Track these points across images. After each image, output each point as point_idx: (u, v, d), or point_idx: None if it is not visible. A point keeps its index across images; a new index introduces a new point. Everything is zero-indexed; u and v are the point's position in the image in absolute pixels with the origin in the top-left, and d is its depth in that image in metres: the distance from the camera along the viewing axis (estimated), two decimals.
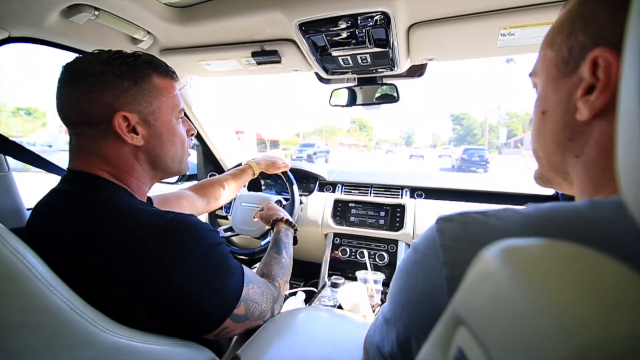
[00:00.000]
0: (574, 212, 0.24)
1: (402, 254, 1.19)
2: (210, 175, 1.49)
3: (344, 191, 1.39)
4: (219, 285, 0.49)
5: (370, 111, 1.17)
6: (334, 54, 0.89)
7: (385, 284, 1.07)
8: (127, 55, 0.53)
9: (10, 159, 0.80)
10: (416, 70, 1.06)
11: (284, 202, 1.28)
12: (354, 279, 1.07)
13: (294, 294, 1.13)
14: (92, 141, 0.52)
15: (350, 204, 1.34)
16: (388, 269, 1.18)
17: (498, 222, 0.26)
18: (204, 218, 1.40)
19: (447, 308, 0.21)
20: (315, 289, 1.20)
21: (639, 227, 0.19)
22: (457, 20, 0.74)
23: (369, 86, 1.08)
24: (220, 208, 1.36)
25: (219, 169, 1.57)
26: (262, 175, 1.34)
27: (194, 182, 1.01)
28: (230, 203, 1.33)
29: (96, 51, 0.53)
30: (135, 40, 0.91)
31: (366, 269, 1.08)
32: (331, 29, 0.78)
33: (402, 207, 1.25)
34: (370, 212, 1.30)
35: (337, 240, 1.30)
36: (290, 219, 0.93)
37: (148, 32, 0.89)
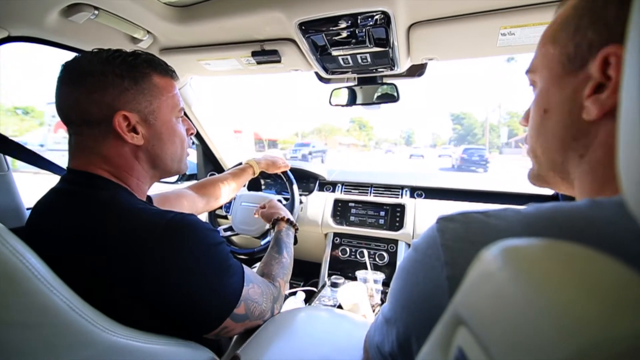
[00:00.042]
0: (575, 212, 0.24)
1: (402, 253, 1.19)
2: (210, 175, 1.49)
3: (344, 191, 1.39)
4: (219, 285, 0.48)
5: (370, 111, 1.17)
6: (334, 53, 0.89)
7: (385, 283, 1.07)
8: (127, 54, 0.53)
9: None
10: (416, 70, 1.06)
11: (284, 202, 1.28)
12: (354, 278, 1.07)
13: (294, 293, 1.13)
14: (92, 140, 0.52)
15: (350, 204, 1.34)
16: (388, 269, 1.18)
17: (499, 222, 0.26)
18: (203, 217, 1.40)
19: (447, 308, 0.21)
20: (315, 289, 1.20)
21: (639, 227, 0.19)
22: (457, 19, 0.74)
23: (369, 86, 1.08)
24: (220, 207, 1.36)
25: (219, 169, 1.56)
26: (262, 174, 1.34)
27: (194, 182, 1.01)
28: (230, 202, 1.33)
29: (95, 50, 0.53)
30: (135, 40, 0.91)
31: (366, 268, 1.08)
32: (331, 28, 0.78)
33: (402, 207, 1.25)
34: (370, 211, 1.30)
35: (337, 239, 1.30)
36: (292, 219, 0.93)
37: (148, 32, 0.89)
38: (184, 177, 1.31)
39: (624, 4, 0.25)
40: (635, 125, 0.17)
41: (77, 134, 0.53)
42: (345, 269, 1.26)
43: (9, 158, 0.80)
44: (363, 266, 1.12)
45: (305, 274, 1.48)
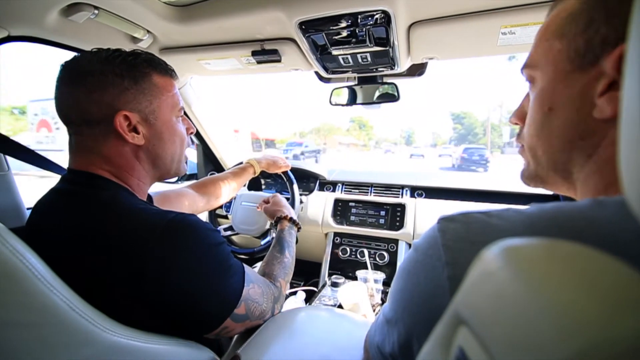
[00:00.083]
0: (576, 211, 0.24)
1: (402, 253, 1.19)
2: (210, 174, 1.49)
3: (344, 190, 1.39)
4: (219, 285, 0.48)
5: (370, 110, 1.17)
6: (334, 53, 0.89)
7: (386, 283, 1.07)
8: (126, 53, 0.53)
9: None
10: (416, 69, 1.06)
11: None
12: (354, 278, 1.07)
13: (294, 293, 1.13)
14: (93, 140, 0.52)
15: (351, 203, 1.34)
16: (388, 269, 1.18)
17: (500, 222, 0.26)
18: (204, 217, 1.41)
19: (448, 308, 0.21)
20: (315, 289, 1.20)
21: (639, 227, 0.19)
22: (458, 19, 0.74)
23: (369, 85, 1.08)
24: (221, 207, 1.36)
25: (219, 168, 1.57)
26: (263, 174, 1.34)
27: (195, 181, 1.01)
28: (230, 202, 1.33)
29: (95, 50, 0.53)
30: (134, 39, 0.91)
31: (366, 268, 1.08)
32: (331, 27, 0.78)
33: (402, 207, 1.25)
34: (371, 211, 1.30)
35: (337, 239, 1.30)
36: (294, 217, 0.93)
37: (148, 31, 0.89)
38: (184, 177, 1.31)
39: None
40: (636, 124, 0.17)
41: (77, 134, 0.53)
42: (346, 268, 1.26)
43: (9, 158, 0.80)
44: (363, 266, 1.12)
45: (306, 273, 1.48)
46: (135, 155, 0.55)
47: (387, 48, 0.85)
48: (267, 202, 1.02)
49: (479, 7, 0.71)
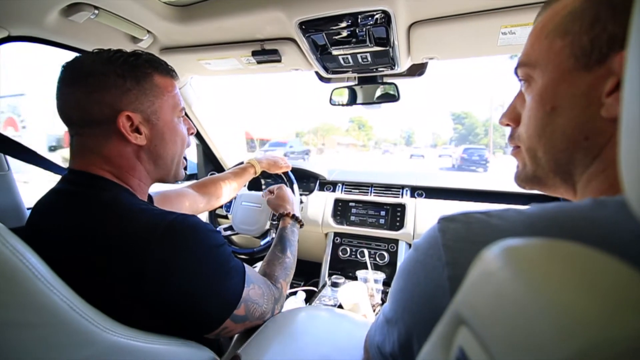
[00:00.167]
0: (576, 212, 0.24)
1: (402, 253, 1.19)
2: (211, 174, 1.49)
3: (344, 190, 1.39)
4: (219, 286, 0.48)
5: (369, 110, 1.17)
6: (334, 53, 0.89)
7: (386, 283, 1.07)
8: (128, 54, 0.53)
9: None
10: (417, 69, 1.06)
11: None
12: (355, 278, 1.07)
13: (294, 293, 1.13)
14: (94, 141, 0.52)
15: (351, 204, 1.34)
16: (388, 269, 1.18)
17: (501, 222, 0.26)
18: (204, 217, 1.41)
19: (448, 308, 0.21)
20: (315, 289, 1.20)
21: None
22: (458, 19, 0.74)
23: (369, 85, 1.08)
24: (221, 207, 1.36)
25: (219, 168, 1.57)
26: (263, 174, 1.34)
27: (195, 181, 1.01)
28: (230, 202, 1.33)
29: (96, 50, 0.53)
30: (135, 39, 0.91)
31: (366, 268, 1.08)
32: (331, 27, 0.78)
33: (402, 207, 1.25)
34: (371, 211, 1.29)
35: (337, 239, 1.30)
36: (298, 214, 0.92)
37: (148, 31, 0.89)
38: (184, 177, 1.31)
39: None
40: (636, 123, 0.17)
41: (78, 134, 0.52)
42: (346, 268, 1.26)
43: (9, 158, 0.80)
44: (363, 266, 1.12)
45: (306, 273, 1.48)
46: (136, 156, 0.55)
47: (387, 48, 0.85)
48: (272, 192, 1.01)
49: (479, 7, 0.71)
